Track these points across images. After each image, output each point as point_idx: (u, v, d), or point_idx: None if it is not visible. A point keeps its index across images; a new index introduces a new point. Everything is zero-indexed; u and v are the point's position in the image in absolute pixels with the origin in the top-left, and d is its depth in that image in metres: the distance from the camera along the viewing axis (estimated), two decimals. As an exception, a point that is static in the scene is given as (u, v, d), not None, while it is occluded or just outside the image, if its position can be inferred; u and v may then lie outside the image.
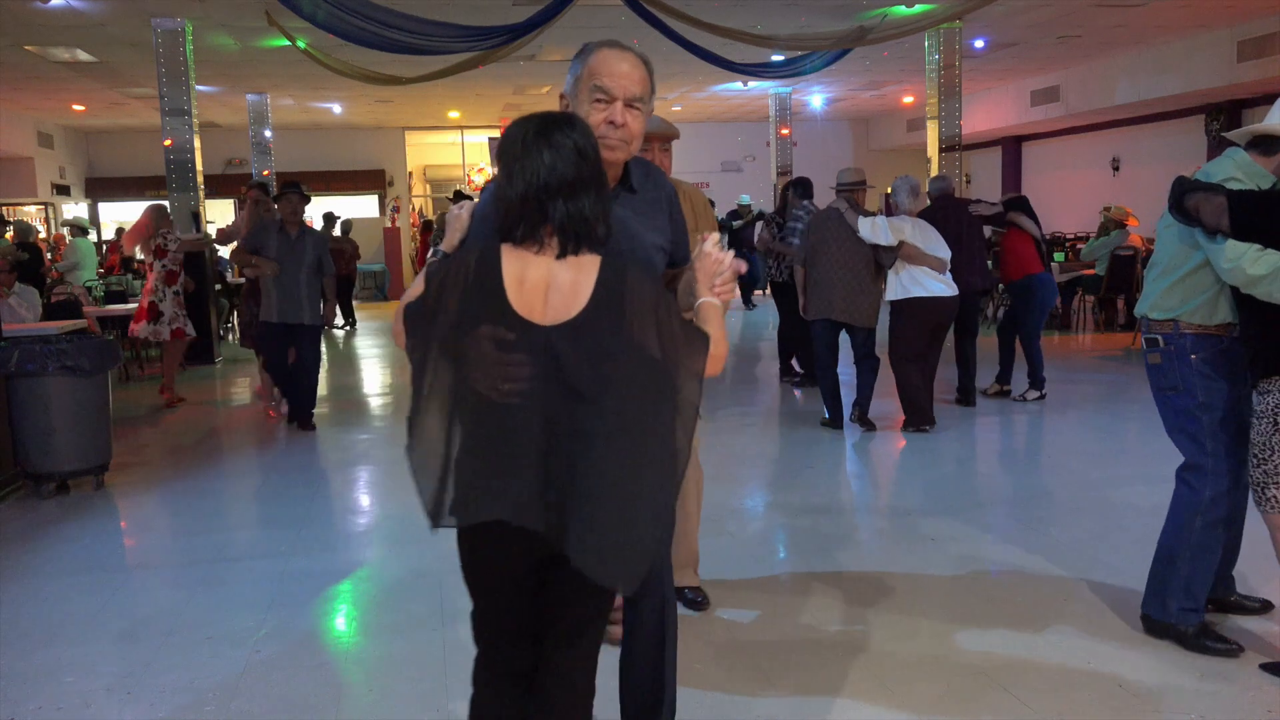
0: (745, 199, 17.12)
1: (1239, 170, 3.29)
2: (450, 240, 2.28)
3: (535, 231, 2.02)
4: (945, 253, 6.81)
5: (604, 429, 1.96)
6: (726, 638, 3.62)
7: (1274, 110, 3.32)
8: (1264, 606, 3.64)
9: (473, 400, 1.98)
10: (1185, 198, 3.17)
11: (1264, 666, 3.27)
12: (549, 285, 2.01)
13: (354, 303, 15.65)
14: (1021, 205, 8.03)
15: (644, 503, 2.00)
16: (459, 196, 14.07)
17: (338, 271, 7.94)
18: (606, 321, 1.99)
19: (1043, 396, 7.86)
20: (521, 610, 2.15)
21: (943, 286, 6.74)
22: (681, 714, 3.02)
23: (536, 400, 1.97)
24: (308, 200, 7.83)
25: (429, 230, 16.14)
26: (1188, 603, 3.40)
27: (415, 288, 2.10)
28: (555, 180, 2.00)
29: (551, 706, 2.17)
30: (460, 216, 2.29)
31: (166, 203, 9.55)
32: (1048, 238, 9.09)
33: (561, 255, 2.02)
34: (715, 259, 2.20)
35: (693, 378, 2.04)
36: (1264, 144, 3.32)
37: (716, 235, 2.28)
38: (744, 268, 2.22)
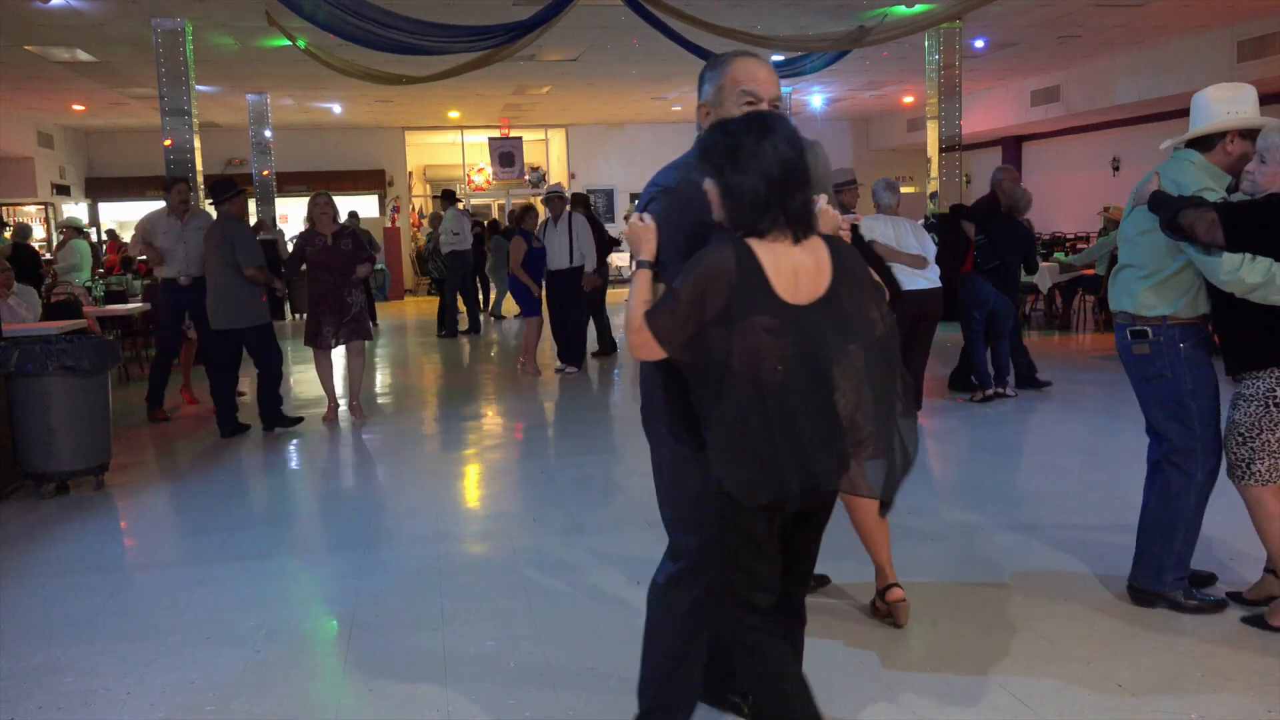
0: None
1: (1207, 176, 3.48)
2: (649, 249, 2.38)
3: (778, 223, 2.24)
4: (927, 249, 6.77)
5: (854, 382, 2.26)
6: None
7: (1194, 112, 3.56)
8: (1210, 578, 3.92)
9: (751, 385, 2.20)
10: (1179, 216, 3.32)
11: (1245, 619, 3.55)
12: (797, 269, 2.26)
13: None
14: (974, 214, 7.95)
15: (890, 428, 2.31)
16: (448, 197, 14.09)
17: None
18: (845, 291, 2.30)
19: (986, 399, 7.80)
20: (780, 559, 2.42)
21: (921, 280, 6.69)
22: (681, 714, 3.02)
23: (805, 373, 2.22)
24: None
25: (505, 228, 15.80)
26: (1180, 572, 3.66)
27: (641, 295, 2.31)
28: (791, 174, 2.23)
29: (798, 637, 2.55)
30: (650, 226, 2.40)
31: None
32: (1044, 237, 9.02)
33: (797, 241, 2.27)
34: (832, 214, 2.49)
35: (885, 321, 2.37)
36: (1202, 143, 3.54)
37: (825, 195, 2.57)
38: (858, 218, 2.47)
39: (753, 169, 2.21)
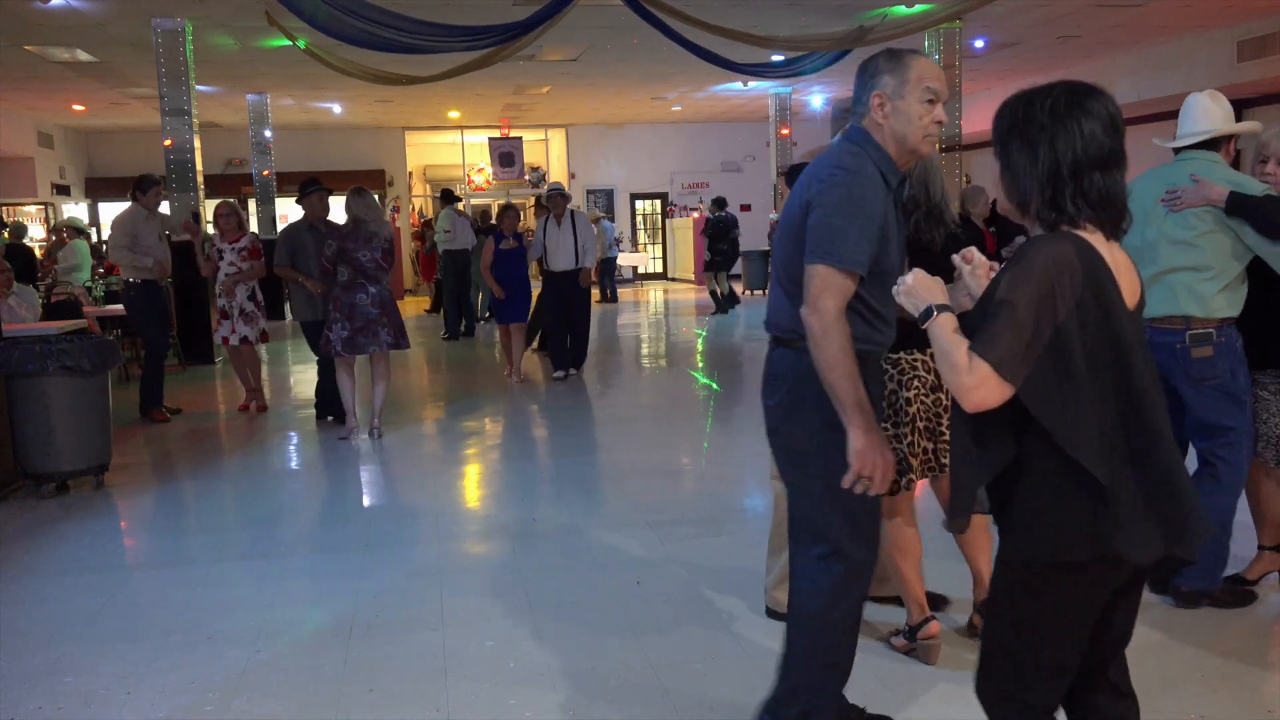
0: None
1: (1234, 174, 3.59)
2: (941, 295, 2.01)
3: (1080, 211, 1.88)
4: None
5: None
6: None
7: (1195, 114, 3.76)
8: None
9: (1107, 402, 1.84)
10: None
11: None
12: (1118, 267, 1.89)
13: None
14: None
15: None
16: (446, 197, 14.08)
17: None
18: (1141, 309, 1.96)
19: None
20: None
21: None
22: (686, 715, 3.03)
23: (1159, 392, 1.89)
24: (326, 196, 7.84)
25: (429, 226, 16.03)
26: (1224, 569, 3.69)
27: (950, 333, 1.90)
28: (1120, 146, 1.88)
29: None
30: (936, 279, 2.05)
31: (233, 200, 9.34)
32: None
33: (1110, 238, 1.91)
34: (985, 264, 2.19)
35: None
36: (1211, 144, 3.69)
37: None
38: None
39: (1065, 138, 1.87)
